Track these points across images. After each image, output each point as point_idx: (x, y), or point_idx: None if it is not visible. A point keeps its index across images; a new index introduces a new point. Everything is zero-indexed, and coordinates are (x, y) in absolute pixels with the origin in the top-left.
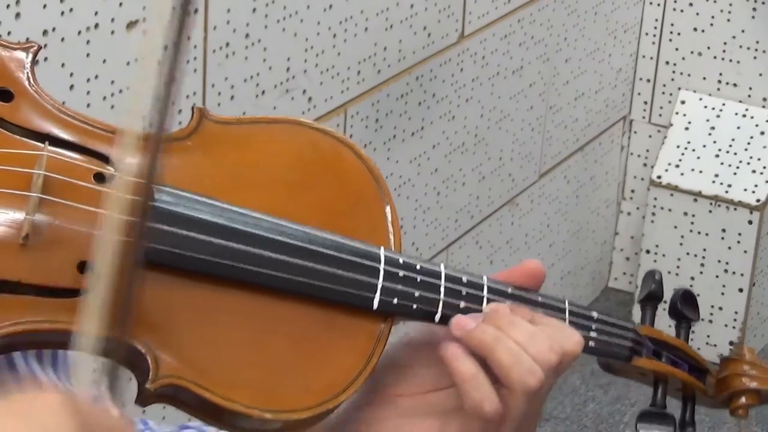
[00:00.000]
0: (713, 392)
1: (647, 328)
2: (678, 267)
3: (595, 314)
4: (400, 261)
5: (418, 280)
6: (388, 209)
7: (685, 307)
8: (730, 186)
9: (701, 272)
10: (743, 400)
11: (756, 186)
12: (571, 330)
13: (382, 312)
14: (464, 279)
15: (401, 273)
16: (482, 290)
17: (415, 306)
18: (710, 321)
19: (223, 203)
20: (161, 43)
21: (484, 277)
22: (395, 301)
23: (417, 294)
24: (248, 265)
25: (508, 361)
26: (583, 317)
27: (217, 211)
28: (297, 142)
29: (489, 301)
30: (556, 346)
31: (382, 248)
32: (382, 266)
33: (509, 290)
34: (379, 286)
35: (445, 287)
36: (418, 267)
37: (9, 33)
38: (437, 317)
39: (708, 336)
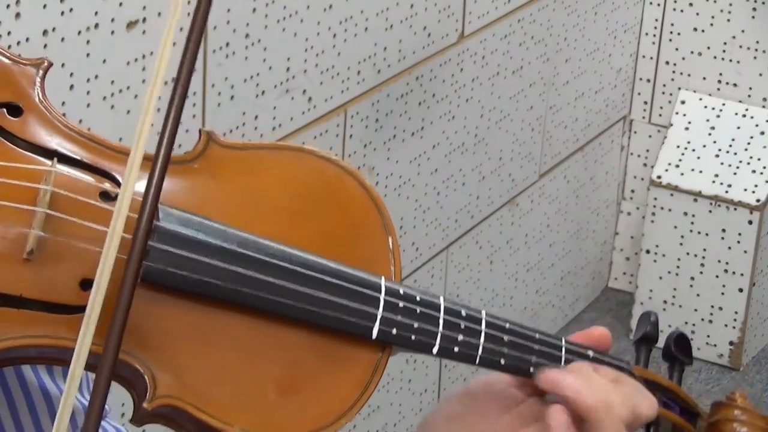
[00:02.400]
0: None
1: (641, 369)
2: (678, 267)
3: (590, 353)
4: (401, 292)
5: (418, 311)
6: (390, 239)
7: (679, 350)
8: (730, 186)
9: (701, 272)
10: None
11: (756, 186)
12: (648, 393)
13: (381, 342)
14: (463, 312)
15: (401, 304)
16: (480, 324)
17: (413, 337)
18: (710, 321)
19: (226, 226)
20: (168, 59)
21: (483, 312)
22: (394, 331)
23: (416, 325)
24: (249, 289)
25: (604, 420)
26: (578, 355)
27: (220, 233)
28: (302, 170)
29: (487, 335)
30: (629, 403)
31: (383, 278)
32: (382, 296)
33: (507, 326)
34: (379, 316)
35: (444, 320)
36: (418, 299)
37: (9, 33)
38: (435, 350)
39: (708, 336)
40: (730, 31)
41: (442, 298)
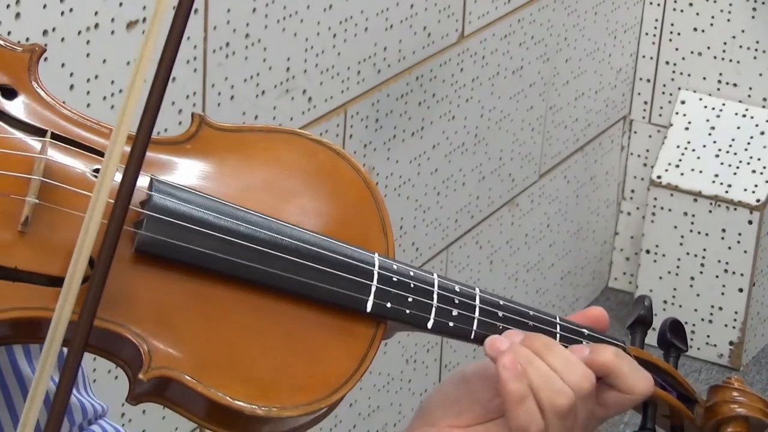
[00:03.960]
0: (701, 421)
1: (636, 350)
2: (678, 267)
3: (585, 331)
4: (394, 266)
5: (412, 285)
6: (382, 218)
7: (674, 336)
8: (730, 186)
9: (701, 272)
10: (731, 428)
11: (756, 186)
12: (642, 370)
13: (376, 315)
14: (457, 288)
15: (395, 278)
16: (474, 299)
17: (408, 311)
18: (710, 321)
19: (219, 200)
20: (158, 42)
21: (477, 288)
22: (389, 305)
23: (410, 299)
24: (246, 261)
25: (537, 383)
26: (572, 332)
27: (213, 206)
28: (295, 152)
29: (481, 310)
30: (589, 373)
31: (376, 253)
32: (376, 269)
33: (501, 302)
34: (373, 289)
35: (439, 294)
36: (411, 273)
37: (9, 33)
38: (430, 324)
39: (708, 336)
40: (730, 31)
41: (435, 274)
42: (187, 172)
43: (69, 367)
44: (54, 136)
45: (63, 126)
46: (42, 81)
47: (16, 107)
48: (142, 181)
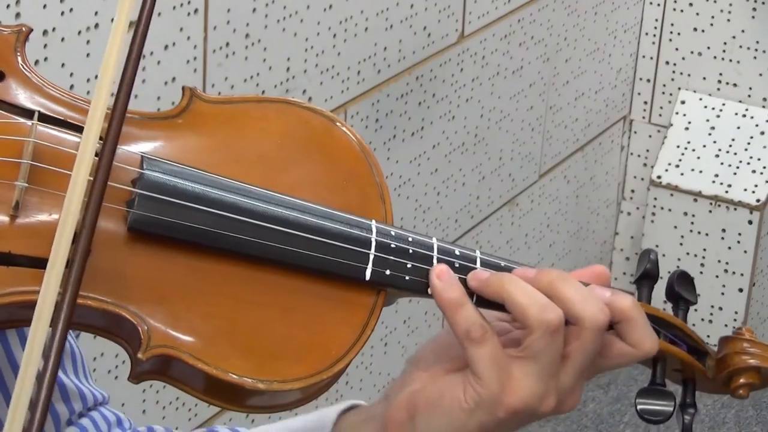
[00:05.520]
0: (713, 373)
1: (644, 304)
2: (678, 267)
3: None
4: (392, 233)
5: (411, 251)
6: (378, 184)
7: (683, 288)
8: (730, 186)
9: (701, 272)
10: (743, 379)
11: (756, 186)
12: (649, 327)
13: (375, 283)
14: (457, 252)
15: (393, 244)
16: (475, 263)
17: (407, 277)
18: (710, 321)
19: (215, 175)
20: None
21: (477, 251)
22: (387, 272)
23: (409, 265)
24: (241, 235)
25: (523, 301)
26: None
27: (205, 180)
28: (288, 120)
29: None
30: (606, 308)
31: (373, 220)
32: (373, 237)
33: (502, 264)
34: (371, 257)
35: (438, 259)
36: (410, 239)
37: None
38: (431, 290)
39: (708, 336)
40: (730, 31)
41: (434, 238)
42: (179, 147)
43: (58, 345)
44: (42, 117)
45: (51, 106)
46: (29, 61)
47: (4, 90)
48: (133, 160)
